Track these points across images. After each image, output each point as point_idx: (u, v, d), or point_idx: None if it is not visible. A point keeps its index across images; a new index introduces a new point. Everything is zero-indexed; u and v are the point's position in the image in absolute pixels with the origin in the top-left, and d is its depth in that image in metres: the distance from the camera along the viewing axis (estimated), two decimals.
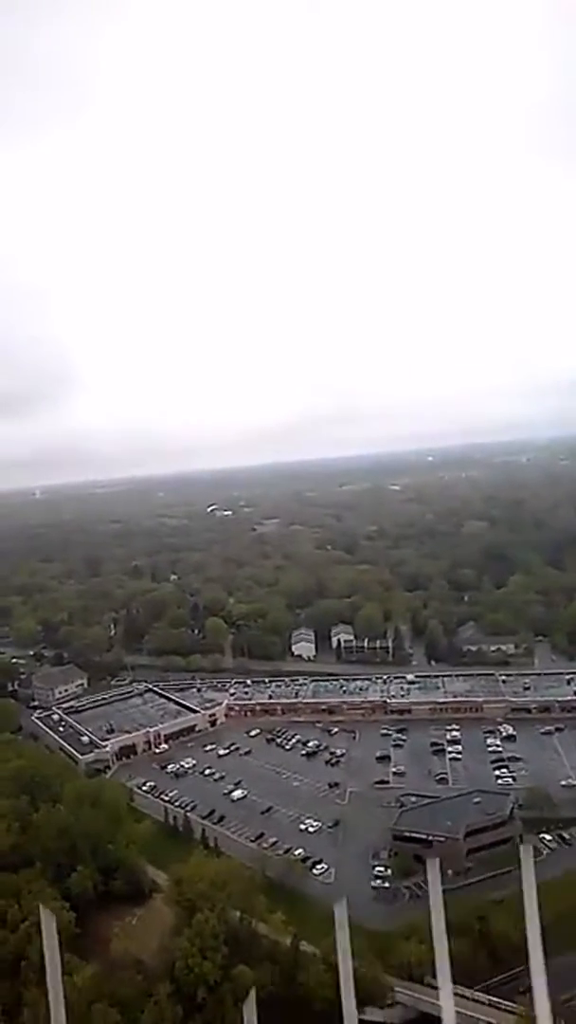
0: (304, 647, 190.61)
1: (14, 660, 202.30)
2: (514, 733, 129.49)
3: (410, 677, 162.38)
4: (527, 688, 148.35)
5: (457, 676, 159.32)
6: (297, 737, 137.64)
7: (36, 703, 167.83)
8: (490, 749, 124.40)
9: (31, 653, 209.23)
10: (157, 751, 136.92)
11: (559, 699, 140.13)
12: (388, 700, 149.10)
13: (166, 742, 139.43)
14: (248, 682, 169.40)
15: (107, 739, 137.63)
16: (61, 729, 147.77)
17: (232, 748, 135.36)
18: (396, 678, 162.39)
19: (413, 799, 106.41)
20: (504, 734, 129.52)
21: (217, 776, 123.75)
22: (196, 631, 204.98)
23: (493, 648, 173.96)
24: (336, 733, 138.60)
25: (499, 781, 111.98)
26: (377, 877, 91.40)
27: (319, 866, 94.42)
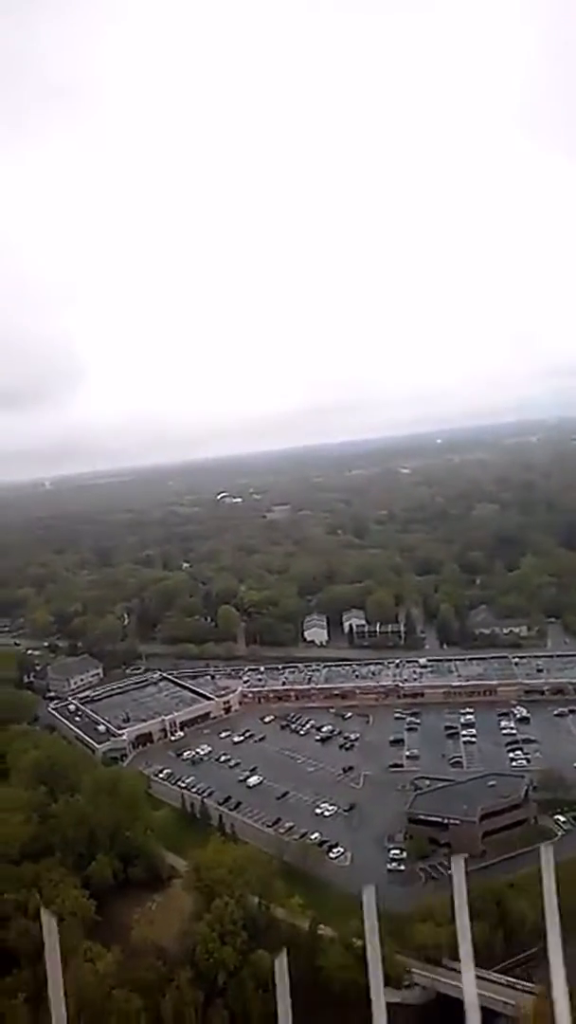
0: (316, 633, 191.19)
1: (29, 651, 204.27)
2: (528, 715, 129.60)
3: (423, 661, 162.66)
4: (540, 670, 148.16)
5: (470, 659, 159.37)
6: (311, 722, 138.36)
7: (52, 693, 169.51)
8: (504, 732, 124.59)
9: (45, 644, 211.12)
10: (173, 739, 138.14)
11: (572, 681, 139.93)
12: (401, 684, 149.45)
13: (181, 729, 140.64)
14: (261, 669, 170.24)
15: (123, 728, 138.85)
16: (77, 719, 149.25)
17: (247, 735, 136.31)
18: (409, 662, 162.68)
19: (428, 782, 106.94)
20: (518, 716, 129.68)
21: (233, 763, 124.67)
22: (209, 619, 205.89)
23: (505, 631, 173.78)
24: (350, 718, 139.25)
25: (513, 763, 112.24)
26: (393, 860, 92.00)
27: (335, 850, 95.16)
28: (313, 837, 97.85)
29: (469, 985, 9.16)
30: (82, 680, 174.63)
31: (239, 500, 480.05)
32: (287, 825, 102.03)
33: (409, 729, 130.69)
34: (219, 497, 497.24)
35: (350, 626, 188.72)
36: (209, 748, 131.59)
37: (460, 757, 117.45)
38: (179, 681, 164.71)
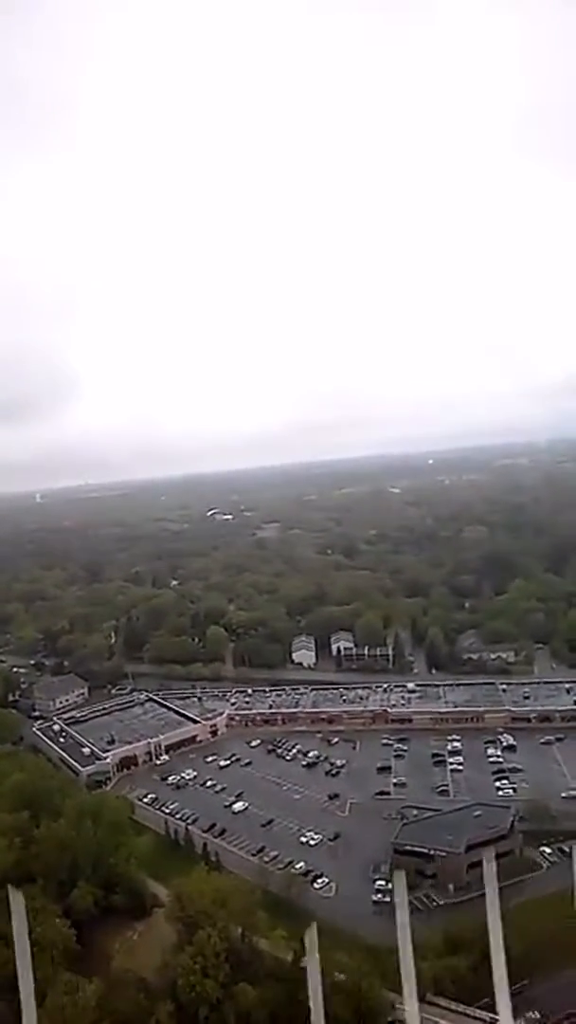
0: (304, 655, 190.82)
1: (15, 669, 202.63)
2: (515, 743, 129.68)
3: (411, 686, 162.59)
4: (527, 697, 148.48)
5: (458, 685, 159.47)
6: (298, 747, 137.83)
7: (37, 713, 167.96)
8: (491, 760, 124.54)
9: (32, 662, 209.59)
10: (158, 762, 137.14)
11: (559, 708, 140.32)
12: (389, 709, 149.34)
13: (167, 753, 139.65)
14: (249, 691, 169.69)
15: (108, 750, 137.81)
16: (62, 740, 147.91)
17: (233, 759, 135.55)
18: (397, 687, 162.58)
19: (414, 812, 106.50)
20: (505, 744, 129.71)
21: (218, 788, 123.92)
22: (197, 639, 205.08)
23: (493, 656, 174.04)
24: (336, 743, 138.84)
25: (500, 793, 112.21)
26: (378, 891, 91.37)
27: (319, 880, 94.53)
28: (298, 867, 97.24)
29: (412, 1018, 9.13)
30: (67, 700, 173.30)
31: (230, 517, 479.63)
32: (272, 854, 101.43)
33: (396, 756, 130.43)
34: (209, 513, 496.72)
35: (338, 649, 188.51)
36: (195, 772, 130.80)
37: (447, 785, 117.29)
38: (166, 703, 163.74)
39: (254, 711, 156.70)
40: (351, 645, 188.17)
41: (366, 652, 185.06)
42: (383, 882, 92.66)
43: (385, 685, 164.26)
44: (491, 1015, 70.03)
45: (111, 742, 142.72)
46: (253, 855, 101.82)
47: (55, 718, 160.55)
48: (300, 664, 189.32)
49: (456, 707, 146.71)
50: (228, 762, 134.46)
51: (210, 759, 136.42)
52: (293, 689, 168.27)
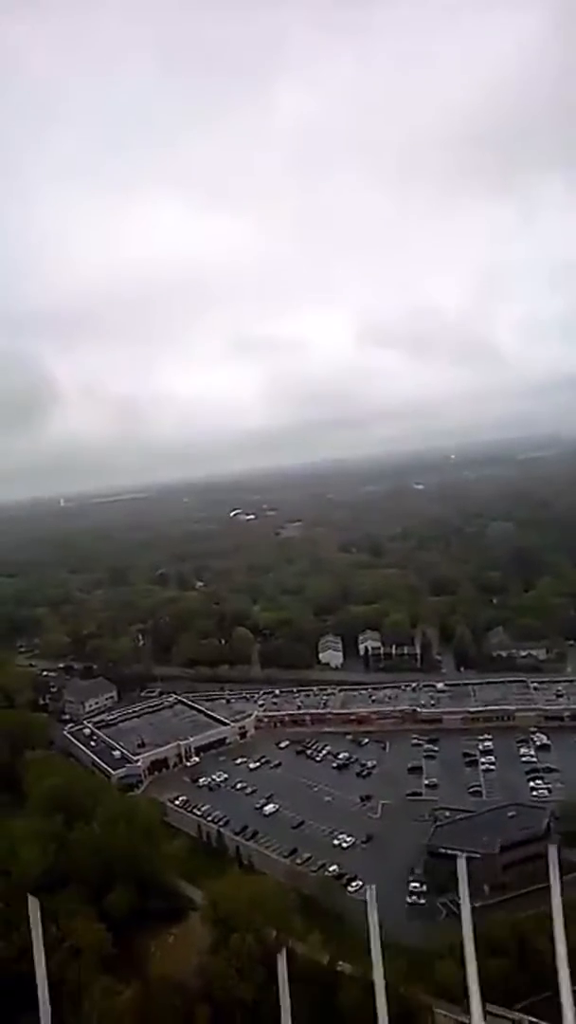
0: (331, 655, 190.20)
1: (44, 673, 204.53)
2: (548, 742, 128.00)
3: (440, 685, 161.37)
4: (560, 695, 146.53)
5: (488, 683, 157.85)
6: (327, 748, 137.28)
7: (67, 716, 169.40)
8: (523, 759, 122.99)
9: (61, 665, 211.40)
10: (188, 764, 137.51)
11: None
12: (418, 709, 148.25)
13: (197, 755, 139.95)
14: (276, 692, 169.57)
15: (138, 753, 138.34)
16: (92, 743, 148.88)
17: (263, 761, 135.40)
18: (426, 686, 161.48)
19: (447, 813, 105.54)
20: (538, 743, 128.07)
21: (249, 790, 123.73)
22: (223, 641, 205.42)
23: (523, 653, 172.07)
24: (366, 744, 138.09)
25: (534, 793, 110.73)
26: (412, 893, 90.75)
27: (354, 883, 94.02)
28: (331, 869, 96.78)
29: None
30: (96, 703, 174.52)
31: (253, 517, 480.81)
32: (304, 856, 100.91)
33: (427, 756, 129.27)
34: (233, 514, 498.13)
35: (365, 648, 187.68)
36: (225, 774, 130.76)
37: (479, 786, 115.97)
38: (194, 705, 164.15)
39: (282, 712, 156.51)
40: (378, 644, 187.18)
41: (393, 651, 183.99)
42: (417, 884, 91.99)
43: (414, 684, 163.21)
44: (529, 1018, 69.11)
45: (141, 745, 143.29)
46: (285, 857, 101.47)
47: (85, 721, 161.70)
48: (327, 664, 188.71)
49: (487, 706, 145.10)
50: (258, 764, 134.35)
51: (240, 761, 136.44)
52: (321, 689, 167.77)
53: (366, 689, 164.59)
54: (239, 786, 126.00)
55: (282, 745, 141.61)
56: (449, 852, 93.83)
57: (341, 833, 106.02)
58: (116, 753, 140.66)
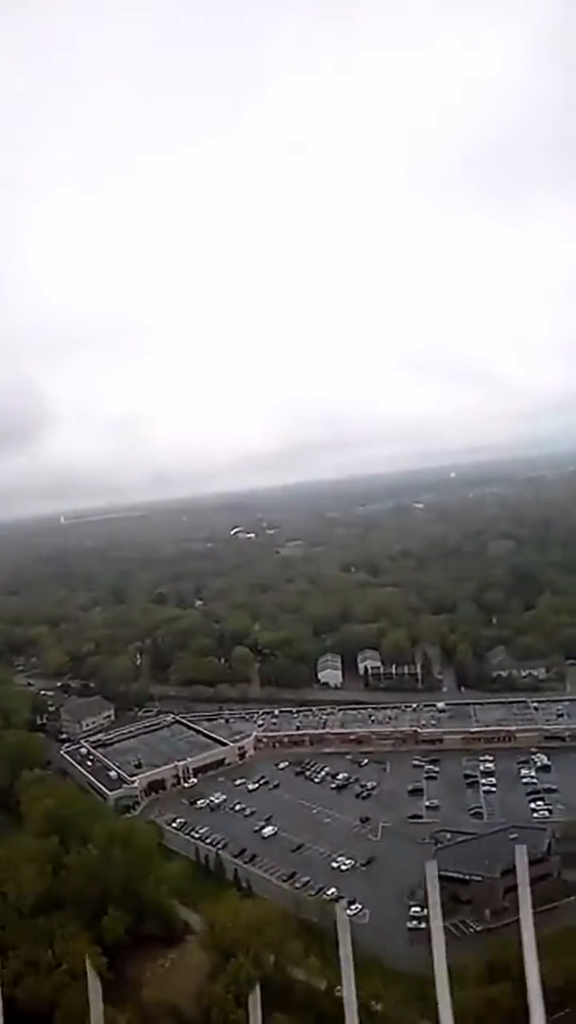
0: (331, 675, 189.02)
1: (42, 692, 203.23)
2: (549, 763, 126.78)
3: (440, 705, 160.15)
4: (560, 715, 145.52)
5: (488, 703, 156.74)
6: (327, 769, 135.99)
7: (64, 736, 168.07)
8: (524, 780, 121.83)
9: (58, 684, 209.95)
10: (186, 785, 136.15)
11: None
12: (418, 729, 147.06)
13: (195, 776, 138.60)
14: (276, 712, 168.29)
15: (135, 774, 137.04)
16: (89, 763, 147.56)
17: (262, 782, 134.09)
18: (426, 706, 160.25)
19: (448, 835, 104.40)
20: (538, 764, 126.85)
21: (247, 812, 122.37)
22: (222, 660, 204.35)
23: (524, 673, 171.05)
24: (366, 764, 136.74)
25: (535, 814, 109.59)
26: (413, 918, 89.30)
27: (353, 906, 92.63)
28: (330, 892, 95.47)
29: None
30: (94, 722, 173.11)
31: (252, 535, 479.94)
32: (303, 879, 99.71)
33: (428, 777, 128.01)
34: (233, 532, 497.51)
35: (365, 668, 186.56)
36: (223, 796, 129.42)
37: (480, 808, 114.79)
38: (193, 725, 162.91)
39: (281, 732, 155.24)
40: (378, 664, 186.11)
41: (393, 671, 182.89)
42: (418, 908, 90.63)
43: (414, 704, 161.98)
44: None
45: (138, 765, 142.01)
46: (284, 880, 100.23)
47: (82, 741, 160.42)
48: (326, 684, 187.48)
49: (487, 726, 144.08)
50: (257, 785, 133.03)
51: (238, 782, 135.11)
52: (320, 709, 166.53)
53: (366, 709, 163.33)
54: (237, 807, 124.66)
55: (281, 766, 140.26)
56: (450, 875, 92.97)
57: (340, 855, 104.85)
58: (112, 774, 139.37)
